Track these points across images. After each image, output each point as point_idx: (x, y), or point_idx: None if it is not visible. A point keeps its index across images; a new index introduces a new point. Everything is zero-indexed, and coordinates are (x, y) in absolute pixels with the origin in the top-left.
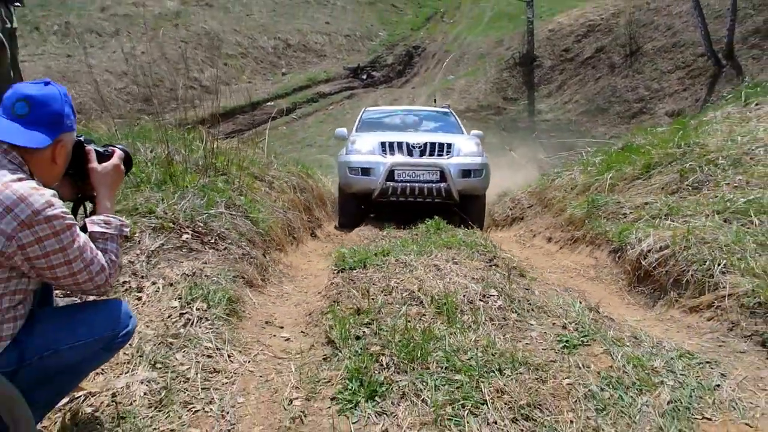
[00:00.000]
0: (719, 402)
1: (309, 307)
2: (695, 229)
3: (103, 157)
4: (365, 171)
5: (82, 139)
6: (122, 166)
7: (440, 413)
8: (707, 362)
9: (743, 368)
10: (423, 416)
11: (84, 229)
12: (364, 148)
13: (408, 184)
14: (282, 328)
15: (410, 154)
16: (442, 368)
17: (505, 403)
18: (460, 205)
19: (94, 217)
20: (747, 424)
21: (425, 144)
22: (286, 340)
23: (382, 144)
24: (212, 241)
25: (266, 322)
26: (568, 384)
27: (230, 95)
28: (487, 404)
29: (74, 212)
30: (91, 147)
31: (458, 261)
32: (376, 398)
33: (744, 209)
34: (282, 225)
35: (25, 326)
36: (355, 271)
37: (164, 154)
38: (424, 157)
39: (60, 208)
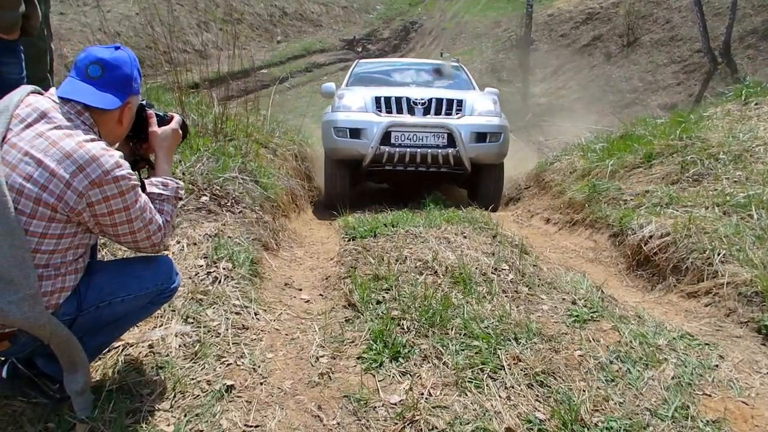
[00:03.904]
0: (718, 380)
1: (324, 271)
2: (696, 219)
3: (162, 122)
4: (354, 133)
5: (144, 103)
6: (180, 131)
7: (461, 375)
8: (706, 344)
9: (739, 351)
10: (445, 377)
11: (143, 189)
12: (354, 104)
13: (408, 150)
14: (301, 290)
15: (411, 112)
16: (460, 334)
17: (521, 370)
18: (473, 178)
19: (152, 179)
20: (744, 402)
21: (430, 100)
22: (306, 301)
23: (377, 100)
24: (228, 204)
25: (285, 284)
26: (579, 355)
27: (224, 60)
28: (504, 370)
29: None
30: (152, 111)
31: (467, 235)
32: (400, 359)
33: (744, 203)
34: (287, 192)
35: (83, 278)
36: (366, 239)
37: None
38: (428, 116)
39: (127, 169)
